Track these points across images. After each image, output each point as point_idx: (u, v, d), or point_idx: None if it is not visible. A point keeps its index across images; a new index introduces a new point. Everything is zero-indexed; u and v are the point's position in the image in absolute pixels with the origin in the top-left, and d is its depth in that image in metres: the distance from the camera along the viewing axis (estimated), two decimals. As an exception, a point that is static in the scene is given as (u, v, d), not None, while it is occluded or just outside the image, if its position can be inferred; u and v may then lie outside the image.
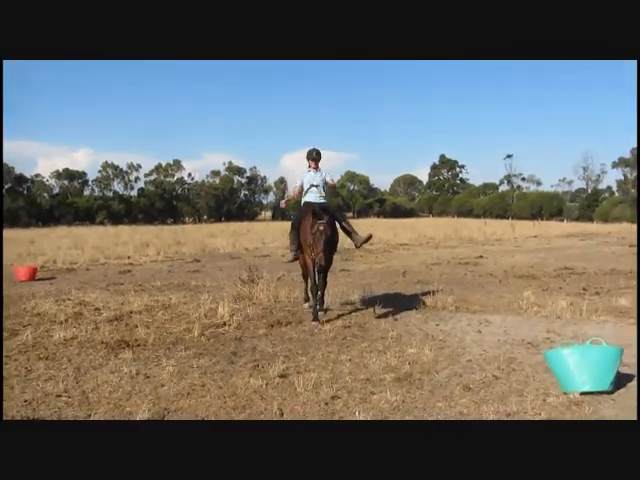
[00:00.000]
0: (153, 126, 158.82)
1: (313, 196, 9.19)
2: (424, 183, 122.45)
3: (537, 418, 4.63)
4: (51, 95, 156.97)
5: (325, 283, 9.06)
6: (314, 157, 9.26)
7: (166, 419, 4.81)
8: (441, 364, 6.28)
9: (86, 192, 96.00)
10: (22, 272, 14.04)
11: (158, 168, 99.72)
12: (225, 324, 8.30)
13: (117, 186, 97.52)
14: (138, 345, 7.21)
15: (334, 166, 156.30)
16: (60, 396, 5.41)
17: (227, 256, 21.04)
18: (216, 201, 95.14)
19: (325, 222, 8.15)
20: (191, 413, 4.90)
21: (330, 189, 9.54)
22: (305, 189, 9.32)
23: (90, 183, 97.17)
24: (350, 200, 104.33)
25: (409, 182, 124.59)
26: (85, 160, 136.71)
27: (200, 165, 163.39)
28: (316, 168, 9.30)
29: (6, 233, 42.80)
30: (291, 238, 9.15)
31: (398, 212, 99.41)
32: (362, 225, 43.31)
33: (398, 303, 9.82)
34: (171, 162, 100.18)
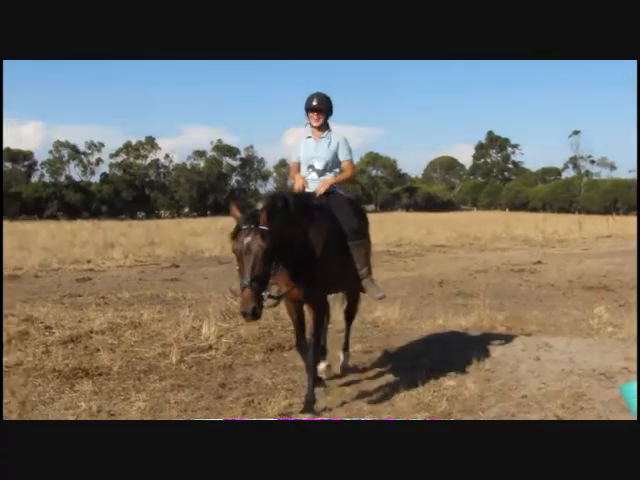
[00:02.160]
0: (121, 93, 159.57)
1: (312, 185, 6.87)
2: (467, 167, 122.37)
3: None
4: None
5: (317, 342, 6.36)
6: (314, 106, 6.84)
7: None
8: (488, 401, 6.26)
9: (34, 178, 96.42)
10: (-47, 280, 14.11)
11: (127, 147, 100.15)
12: (211, 348, 8.31)
13: (73, 170, 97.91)
14: (100, 374, 7.23)
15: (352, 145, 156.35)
16: (1, 439, 5.43)
17: (214, 260, 21.03)
18: (200, 190, 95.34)
19: (256, 229, 5.33)
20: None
21: (344, 176, 7.07)
22: (303, 167, 7.15)
23: (39, 167, 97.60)
24: (372, 189, 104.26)
25: (447, 166, 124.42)
26: (34, 137, 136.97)
27: (180, 143, 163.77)
28: (320, 130, 6.96)
29: None
30: None
31: (433, 204, 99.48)
32: (387, 221, 43.33)
33: (433, 322, 9.80)
34: (143, 140, 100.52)
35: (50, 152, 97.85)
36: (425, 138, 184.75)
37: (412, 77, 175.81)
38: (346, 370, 7.38)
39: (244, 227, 5.34)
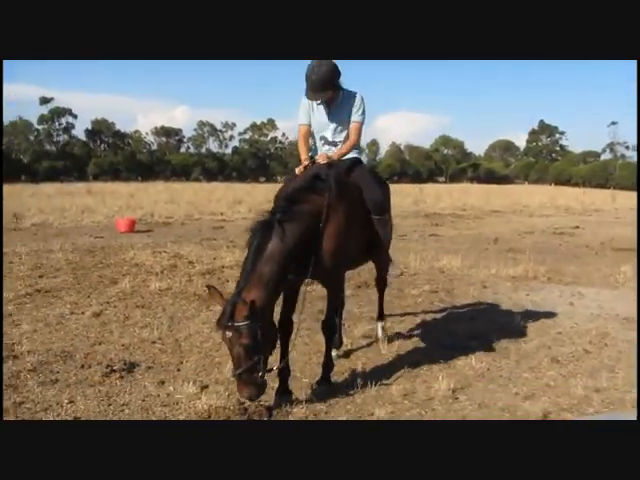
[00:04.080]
0: (250, 87, 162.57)
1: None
2: (521, 149, 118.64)
3: (627, 396, 4.48)
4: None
5: (332, 322, 5.10)
6: (316, 89, 4.70)
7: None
8: (530, 335, 6.15)
9: (182, 149, 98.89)
10: (122, 224, 14.69)
11: (253, 127, 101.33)
12: (313, 282, 8.41)
13: (212, 144, 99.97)
14: (228, 299, 7.42)
15: (426, 129, 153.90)
16: (155, 343, 5.69)
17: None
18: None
19: (235, 327, 3.82)
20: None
21: (347, 145, 4.97)
22: (316, 139, 5.17)
23: (186, 141, 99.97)
24: (443, 164, 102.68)
25: (505, 147, 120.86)
26: (182, 117, 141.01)
27: (294, 124, 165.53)
28: (331, 99, 4.84)
29: (108, 186, 44.86)
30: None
31: (492, 178, 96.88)
32: (454, 191, 42.64)
33: (487, 271, 9.65)
34: (265, 121, 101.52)
35: (194, 130, 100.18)
36: (488, 125, 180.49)
37: (478, 77, 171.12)
38: (382, 341, 5.80)
39: (223, 322, 3.85)
